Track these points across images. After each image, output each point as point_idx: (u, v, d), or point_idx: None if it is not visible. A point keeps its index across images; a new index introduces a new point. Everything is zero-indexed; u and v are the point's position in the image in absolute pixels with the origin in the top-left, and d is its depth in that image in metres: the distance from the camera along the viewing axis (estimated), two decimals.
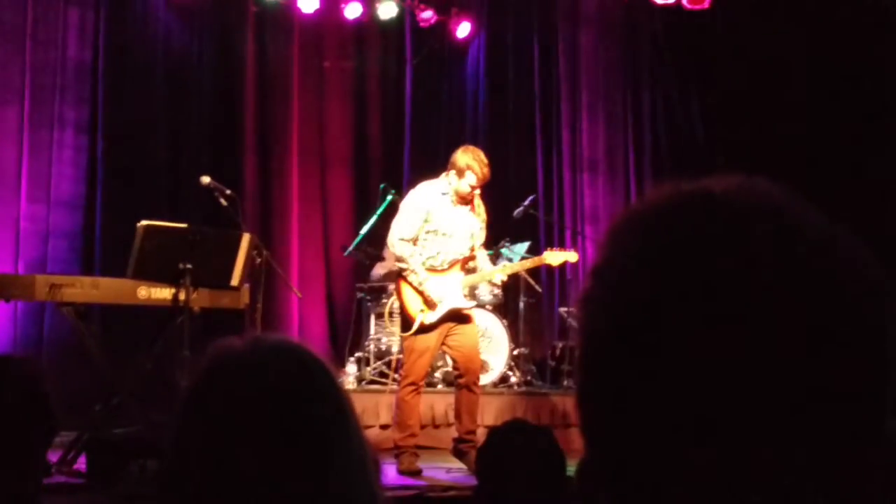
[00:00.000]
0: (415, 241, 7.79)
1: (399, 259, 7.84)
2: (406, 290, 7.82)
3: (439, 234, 7.79)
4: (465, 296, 8.01)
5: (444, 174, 7.89)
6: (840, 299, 0.93)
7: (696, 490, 0.93)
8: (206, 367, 1.59)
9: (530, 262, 8.36)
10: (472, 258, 8.03)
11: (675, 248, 0.95)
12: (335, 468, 1.52)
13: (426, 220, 7.76)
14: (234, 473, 1.47)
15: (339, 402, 1.58)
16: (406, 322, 7.88)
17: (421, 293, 7.75)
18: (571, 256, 8.21)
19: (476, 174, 7.71)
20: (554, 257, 8.18)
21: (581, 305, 1.02)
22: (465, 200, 7.85)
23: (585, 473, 1.02)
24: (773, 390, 0.91)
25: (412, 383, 7.78)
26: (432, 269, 7.81)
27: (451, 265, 7.88)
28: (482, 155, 7.84)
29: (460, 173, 7.74)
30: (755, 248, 0.93)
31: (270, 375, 1.55)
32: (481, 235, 8.06)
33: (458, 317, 7.87)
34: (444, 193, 7.83)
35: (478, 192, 7.85)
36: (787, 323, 0.91)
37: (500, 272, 8.14)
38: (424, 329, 7.76)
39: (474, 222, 7.97)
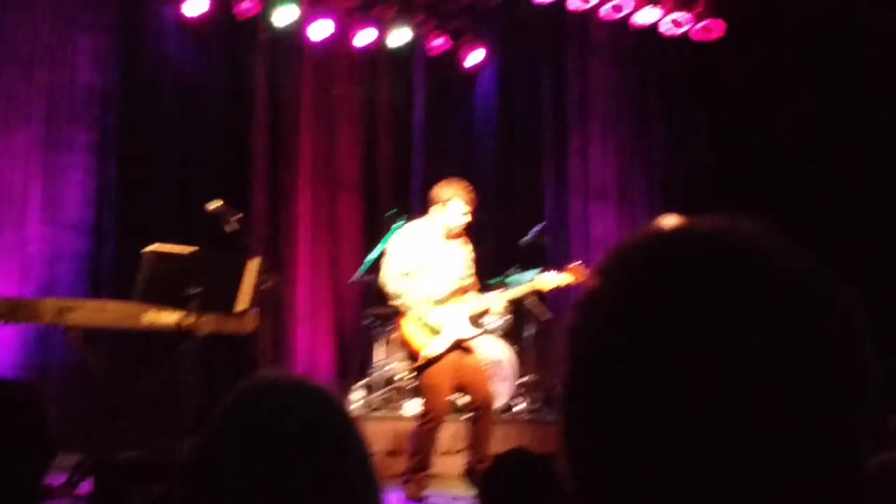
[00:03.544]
0: (408, 276, 7.80)
1: (393, 297, 7.84)
2: (407, 326, 7.83)
3: (433, 268, 7.83)
4: (471, 324, 8.01)
5: (430, 213, 7.96)
6: (818, 337, 0.94)
7: None
8: (239, 398, 1.60)
9: (524, 288, 8.28)
10: (471, 287, 8.03)
11: (660, 285, 0.97)
12: None
13: (414, 256, 7.78)
14: None
15: (361, 459, 1.60)
16: (412, 356, 7.89)
17: (424, 325, 7.75)
18: (564, 280, 8.11)
19: (463, 199, 7.79)
20: (546, 281, 8.11)
21: (567, 337, 1.03)
22: (457, 234, 7.88)
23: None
24: (751, 422, 0.91)
25: (432, 420, 7.79)
26: (433, 301, 7.81)
27: (451, 296, 7.89)
28: (464, 182, 7.95)
29: (445, 205, 7.79)
30: (736, 288, 0.95)
31: (297, 421, 1.57)
32: (472, 269, 8.09)
33: (463, 347, 7.87)
34: (431, 230, 7.91)
35: (470, 219, 7.87)
36: (763, 358, 0.92)
37: (496, 299, 8.12)
38: (433, 361, 7.75)
39: (465, 253, 8.03)
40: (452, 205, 7.81)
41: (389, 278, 7.82)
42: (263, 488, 1.50)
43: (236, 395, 1.61)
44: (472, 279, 8.13)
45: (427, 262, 7.83)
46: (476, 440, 7.87)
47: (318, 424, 1.58)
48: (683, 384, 0.92)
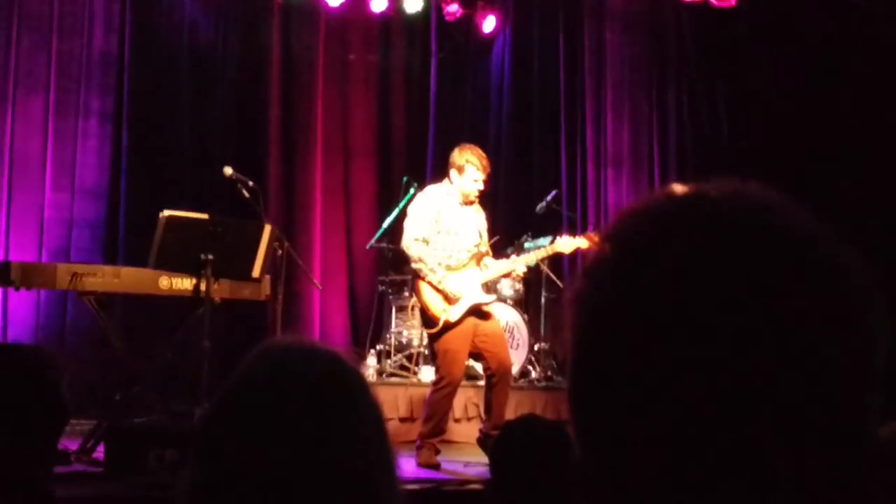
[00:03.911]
0: (427, 242, 7.82)
1: (415, 260, 7.86)
2: (425, 289, 7.84)
3: (451, 233, 7.87)
4: (484, 290, 8.02)
5: (447, 178, 7.98)
6: (826, 300, 0.94)
7: (688, 496, 0.93)
8: (254, 362, 1.61)
9: (543, 252, 8.30)
10: (486, 254, 8.04)
11: (668, 251, 0.96)
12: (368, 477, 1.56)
13: (436, 221, 7.81)
14: (263, 471, 1.49)
15: (376, 423, 1.61)
16: (429, 322, 7.89)
17: (441, 291, 7.77)
18: (583, 243, 8.13)
19: (476, 167, 7.83)
20: (565, 245, 8.14)
21: (572, 305, 1.02)
22: (471, 200, 7.90)
23: (579, 473, 1.02)
24: (759, 391, 0.91)
25: (448, 385, 7.80)
26: (448, 268, 7.83)
27: (467, 262, 7.91)
28: (479, 150, 7.98)
29: (460, 171, 7.87)
30: (745, 252, 0.94)
31: (311, 384, 1.58)
32: (486, 236, 8.11)
33: (479, 313, 7.89)
34: (449, 194, 7.93)
35: (482, 187, 7.90)
36: (773, 323, 0.92)
37: (514, 263, 8.13)
38: (450, 327, 7.76)
39: (481, 219, 8.07)
40: (467, 170, 7.83)
41: (412, 242, 7.83)
42: (277, 451, 1.51)
43: (250, 359, 1.62)
44: (487, 245, 8.14)
45: (446, 226, 7.86)
46: (490, 407, 7.89)
47: (331, 388, 1.58)
48: (693, 352, 0.92)
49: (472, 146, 8.02)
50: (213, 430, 1.58)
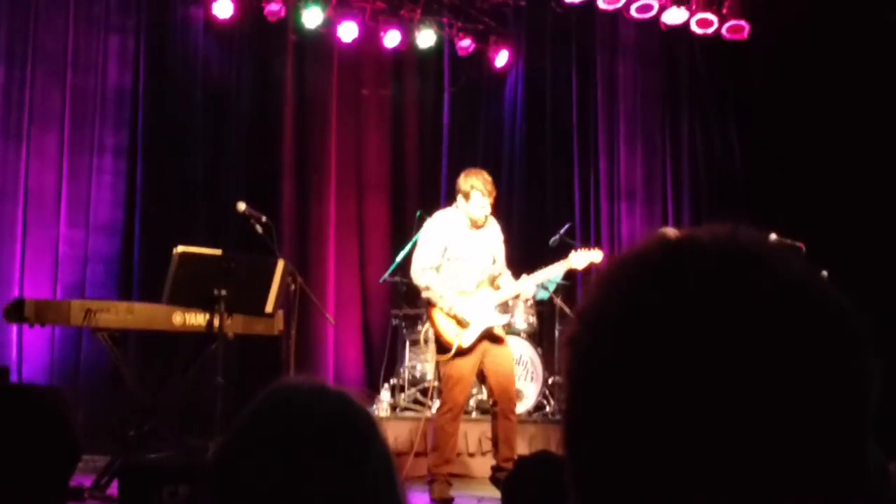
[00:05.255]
0: (437, 269, 7.82)
1: (424, 288, 7.86)
2: (438, 316, 7.82)
3: (460, 259, 7.85)
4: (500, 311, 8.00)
5: (454, 203, 7.99)
6: (817, 347, 0.94)
7: None
8: (263, 403, 1.62)
9: (557, 268, 8.25)
10: (499, 275, 8.03)
11: (661, 296, 0.97)
12: None
13: (445, 249, 7.81)
14: None
15: (385, 463, 1.61)
16: (442, 348, 7.86)
17: (453, 317, 7.75)
18: (596, 256, 8.11)
19: (482, 191, 7.82)
20: (579, 260, 8.11)
21: (567, 348, 1.03)
22: (479, 224, 7.90)
23: None
24: (755, 432, 0.91)
25: (450, 410, 7.77)
26: (460, 293, 7.82)
27: (478, 286, 7.89)
28: (485, 174, 7.96)
29: (467, 197, 7.85)
30: (736, 297, 0.95)
31: (320, 425, 1.59)
32: (502, 251, 8.09)
33: (492, 337, 7.86)
34: (458, 220, 7.92)
35: (489, 211, 7.88)
36: (764, 367, 0.92)
37: (526, 281, 8.07)
38: (461, 353, 7.74)
39: (493, 241, 8.05)
40: (473, 196, 7.83)
41: (419, 272, 7.83)
42: (286, 491, 1.51)
43: (260, 399, 1.63)
44: (503, 265, 8.11)
45: (456, 254, 7.85)
46: (497, 441, 7.85)
47: (340, 428, 1.59)
48: (686, 395, 0.92)
49: (476, 170, 8.01)
50: (226, 470, 1.58)
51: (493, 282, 7.99)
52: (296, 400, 1.61)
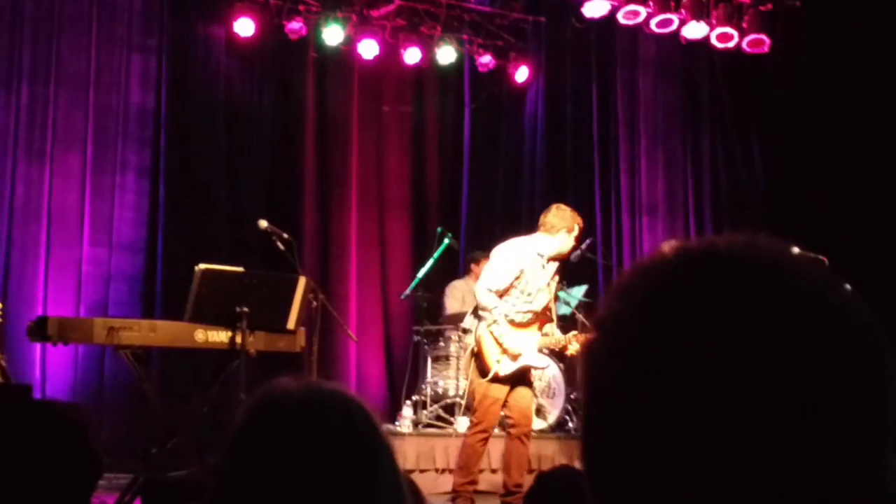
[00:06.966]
0: (502, 294, 7.75)
1: (483, 308, 7.78)
2: (486, 338, 7.76)
3: (525, 293, 7.74)
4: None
5: (539, 234, 7.84)
6: (838, 354, 0.94)
7: None
8: (255, 407, 1.63)
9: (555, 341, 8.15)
10: (549, 319, 7.97)
11: (675, 307, 0.96)
12: None
13: (517, 278, 7.71)
14: None
15: (389, 466, 1.60)
16: (482, 371, 7.81)
17: (500, 344, 7.71)
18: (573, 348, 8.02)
19: (579, 229, 7.84)
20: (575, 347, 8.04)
21: (586, 357, 1.03)
22: (558, 259, 7.86)
23: None
24: (772, 445, 0.91)
25: (483, 430, 7.77)
26: (513, 323, 7.76)
27: (531, 323, 7.84)
28: (576, 215, 7.93)
29: (569, 231, 7.78)
30: (754, 306, 0.94)
31: (316, 425, 1.60)
32: (553, 287, 8.05)
33: (524, 376, 7.86)
34: (538, 253, 7.77)
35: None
36: (783, 378, 0.92)
37: (556, 342, 7.99)
38: (498, 379, 7.72)
39: (555, 282, 8.02)
40: (560, 235, 7.73)
41: (484, 291, 7.74)
42: (287, 495, 1.51)
43: (255, 402, 1.63)
44: (552, 309, 8.05)
45: (525, 286, 7.73)
46: (509, 464, 7.85)
47: (340, 430, 1.59)
48: (705, 400, 0.92)
49: (571, 211, 7.92)
50: (225, 479, 1.58)
51: (542, 325, 7.92)
52: (291, 404, 1.61)
